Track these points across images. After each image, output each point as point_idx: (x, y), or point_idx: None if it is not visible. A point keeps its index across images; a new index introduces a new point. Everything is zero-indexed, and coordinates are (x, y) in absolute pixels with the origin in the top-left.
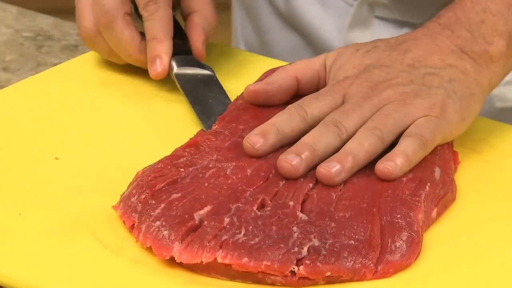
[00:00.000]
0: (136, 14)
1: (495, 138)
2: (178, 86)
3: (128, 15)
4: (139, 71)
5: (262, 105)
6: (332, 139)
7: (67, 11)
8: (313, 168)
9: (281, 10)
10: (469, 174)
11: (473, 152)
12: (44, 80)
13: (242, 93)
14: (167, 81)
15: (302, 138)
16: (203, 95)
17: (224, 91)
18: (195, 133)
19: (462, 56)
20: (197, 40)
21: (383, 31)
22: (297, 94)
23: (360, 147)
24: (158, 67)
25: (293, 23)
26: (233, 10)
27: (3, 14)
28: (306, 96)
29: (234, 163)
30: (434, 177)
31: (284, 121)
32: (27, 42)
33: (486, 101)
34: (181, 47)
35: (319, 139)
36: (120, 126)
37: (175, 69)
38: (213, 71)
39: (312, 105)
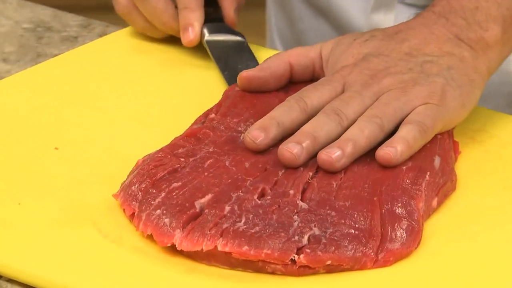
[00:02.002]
0: None
1: (495, 128)
2: (209, 52)
3: None
4: (138, 63)
5: (257, 92)
6: (333, 127)
7: (66, 7)
8: (313, 156)
9: None
10: (469, 164)
11: (473, 141)
12: (44, 71)
13: None
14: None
15: (303, 127)
16: (233, 61)
17: (255, 57)
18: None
19: (459, 44)
20: (229, 8)
21: (406, 14)
22: (291, 81)
23: (361, 134)
24: (190, 35)
25: (321, 9)
26: (268, 3)
27: (3, 6)
28: (305, 87)
29: (231, 157)
30: (434, 166)
31: (284, 113)
32: (27, 34)
33: (501, 70)
34: (212, 15)
35: (320, 127)
36: (119, 117)
37: (207, 36)
38: (244, 38)
39: (311, 95)
